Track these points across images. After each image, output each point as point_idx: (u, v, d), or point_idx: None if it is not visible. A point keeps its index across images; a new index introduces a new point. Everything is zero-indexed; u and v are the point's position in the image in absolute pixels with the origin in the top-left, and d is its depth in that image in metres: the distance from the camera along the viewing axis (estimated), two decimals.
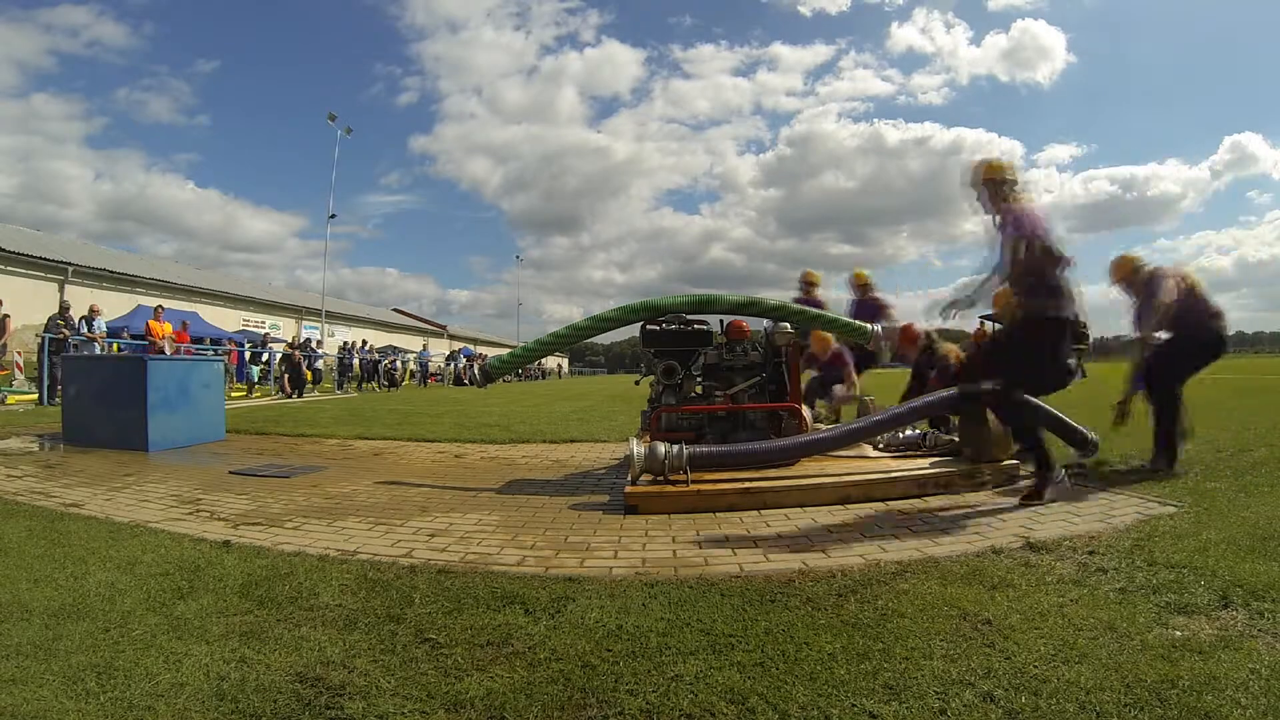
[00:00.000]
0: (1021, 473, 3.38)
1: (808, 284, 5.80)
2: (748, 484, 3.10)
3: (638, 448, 3.16)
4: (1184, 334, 3.69)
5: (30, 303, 14.58)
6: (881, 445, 4.00)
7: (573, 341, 4.38)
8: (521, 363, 5.17)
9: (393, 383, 21.38)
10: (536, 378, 38.14)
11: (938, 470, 3.24)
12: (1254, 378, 14.29)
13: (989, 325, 4.86)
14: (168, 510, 3.04)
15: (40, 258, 17.09)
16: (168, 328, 12.34)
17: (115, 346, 11.53)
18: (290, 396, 13.80)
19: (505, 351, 4.43)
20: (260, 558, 2.26)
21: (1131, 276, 3.86)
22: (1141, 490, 3.08)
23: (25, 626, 1.66)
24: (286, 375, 14.45)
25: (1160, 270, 3.77)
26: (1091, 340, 4.26)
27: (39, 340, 10.39)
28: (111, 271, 19.29)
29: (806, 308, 4.43)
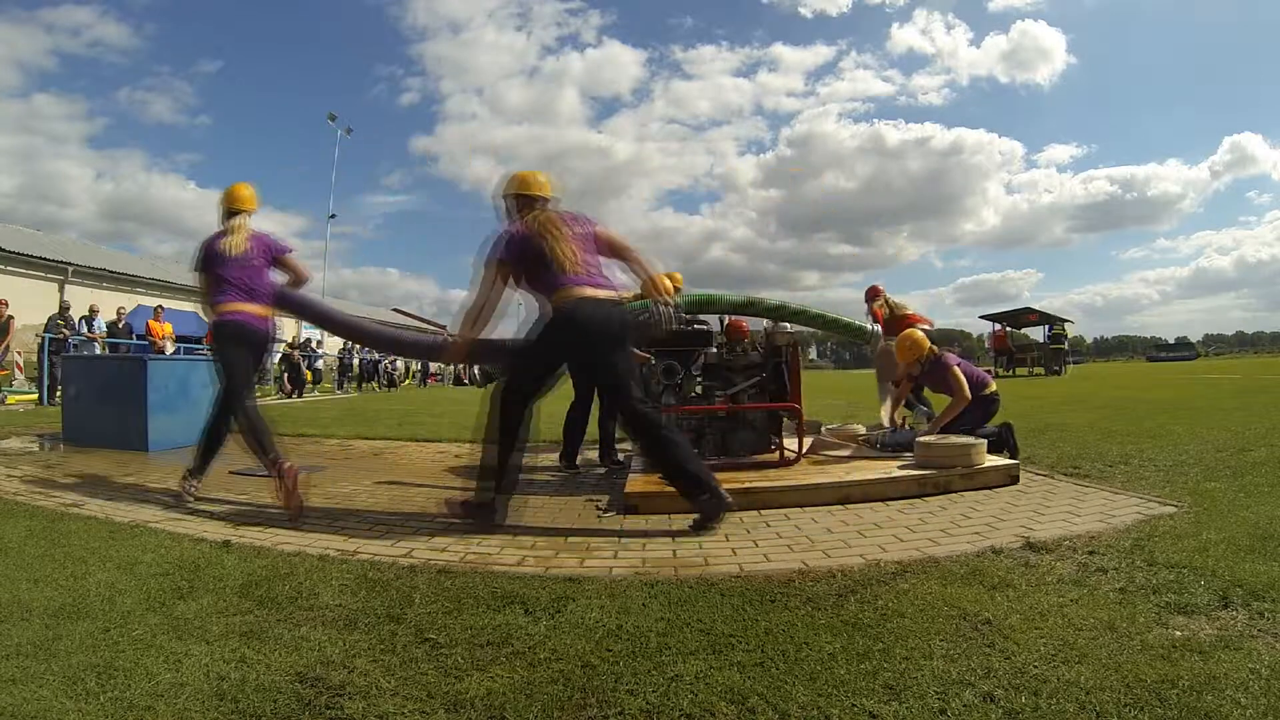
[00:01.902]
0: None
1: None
2: (747, 484, 3.11)
3: None
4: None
5: (30, 303, 14.59)
6: (878, 446, 4.01)
7: None
8: None
9: (391, 383, 21.38)
10: None
11: (938, 471, 3.24)
12: (1254, 378, 14.29)
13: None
14: (168, 510, 3.04)
15: (40, 258, 17.11)
16: (168, 328, 12.34)
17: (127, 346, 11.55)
18: (290, 396, 13.80)
19: None
20: (260, 558, 2.26)
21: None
22: (1141, 490, 3.08)
23: (25, 626, 1.66)
24: (286, 375, 14.46)
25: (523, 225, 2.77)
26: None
27: (39, 340, 10.39)
28: (111, 271, 19.31)
29: (807, 307, 4.41)
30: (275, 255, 3.40)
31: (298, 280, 3.52)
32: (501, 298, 2.74)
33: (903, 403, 4.69)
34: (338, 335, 3.93)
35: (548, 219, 2.74)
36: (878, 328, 4.53)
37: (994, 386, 4.20)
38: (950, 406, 3.97)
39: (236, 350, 3.20)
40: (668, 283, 2.79)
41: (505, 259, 2.71)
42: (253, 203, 3.45)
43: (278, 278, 3.41)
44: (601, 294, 2.68)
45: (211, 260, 3.23)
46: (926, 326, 4.90)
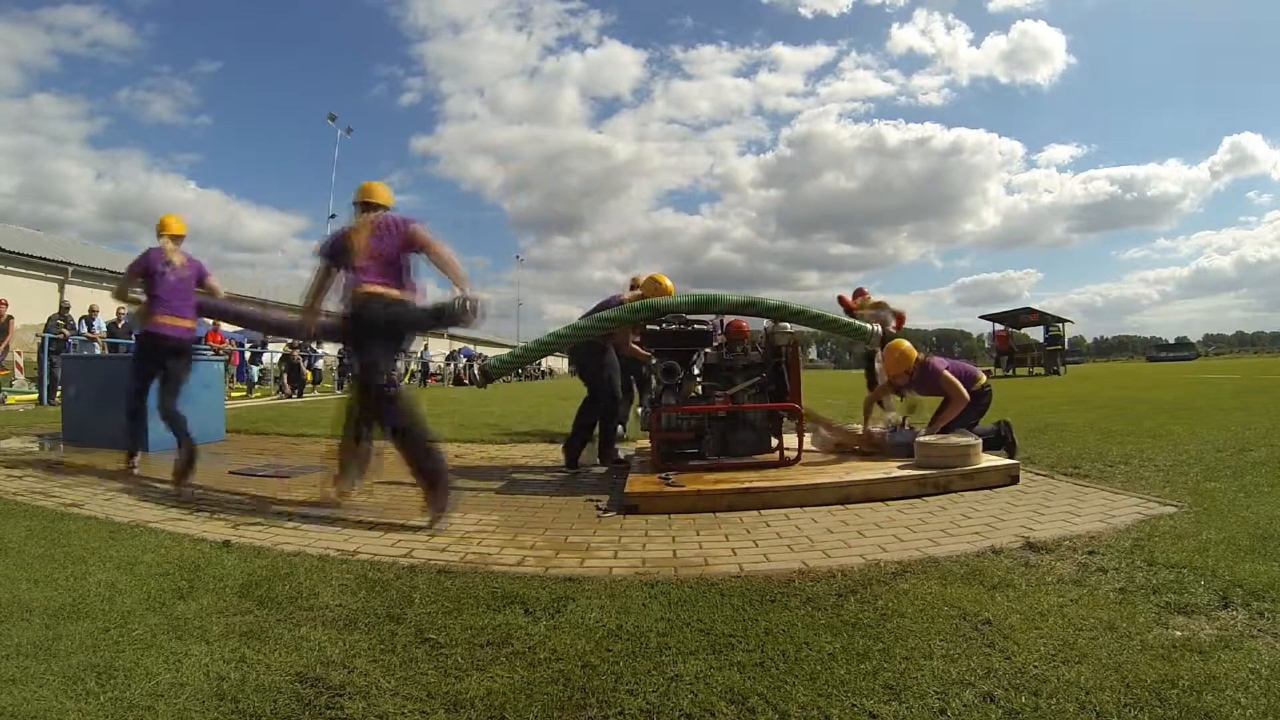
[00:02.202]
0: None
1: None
2: (747, 484, 3.11)
3: None
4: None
5: (30, 303, 14.58)
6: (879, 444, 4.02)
7: (573, 341, 4.37)
8: (521, 362, 5.16)
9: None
10: (536, 378, 38.15)
11: (938, 470, 3.24)
12: (1254, 378, 14.30)
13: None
14: (167, 510, 3.04)
15: (40, 258, 17.10)
16: None
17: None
18: (290, 396, 13.81)
19: (505, 351, 4.42)
20: (260, 558, 2.27)
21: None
22: (1141, 490, 3.08)
23: (25, 626, 1.66)
24: (286, 375, 14.46)
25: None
26: None
27: (39, 340, 10.40)
28: (111, 271, 19.23)
29: (807, 307, 4.39)
30: (201, 278, 4.07)
31: (213, 296, 4.25)
32: (330, 286, 3.15)
33: (875, 408, 4.61)
34: (240, 326, 4.70)
35: (357, 223, 3.05)
36: (877, 327, 4.50)
37: (983, 380, 4.19)
38: (950, 408, 3.96)
39: (157, 359, 3.89)
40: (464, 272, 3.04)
41: (323, 254, 3.13)
42: (183, 229, 4.13)
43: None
44: (380, 290, 2.93)
45: (152, 274, 3.85)
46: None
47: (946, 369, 4.06)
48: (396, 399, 2.96)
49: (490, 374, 4.62)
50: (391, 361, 3.03)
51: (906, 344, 4.24)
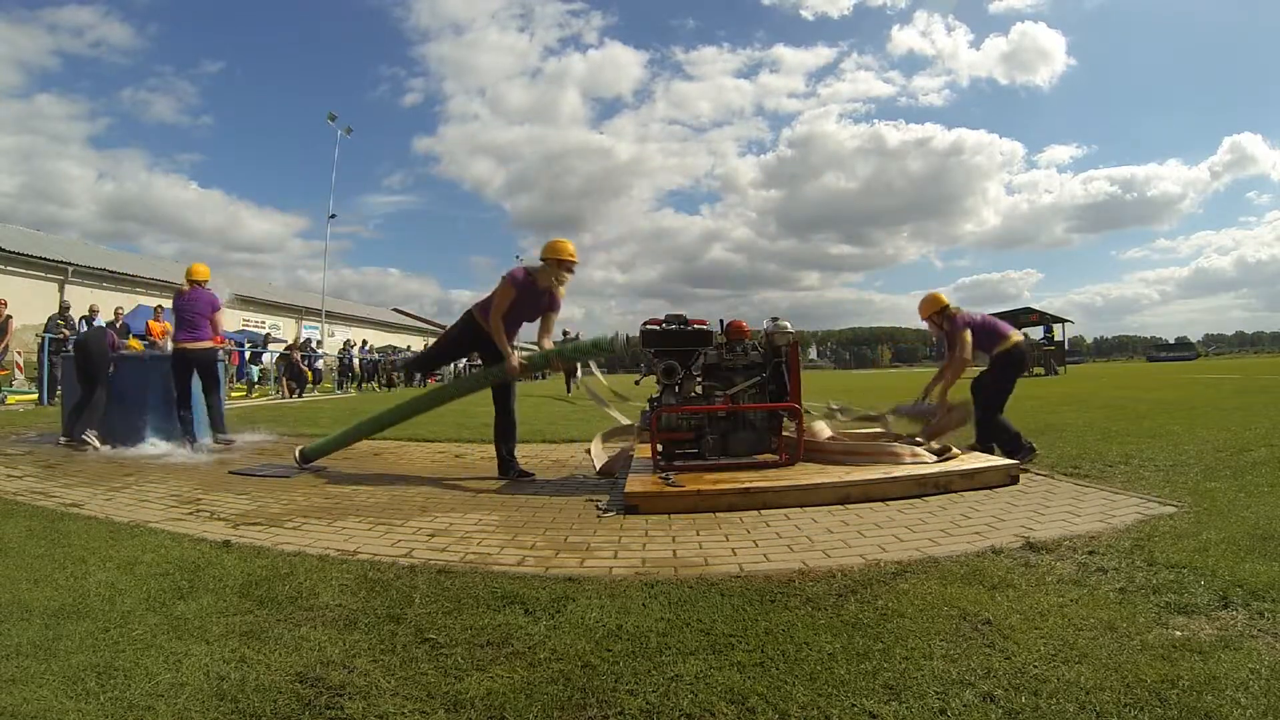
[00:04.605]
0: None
1: None
2: (747, 484, 3.11)
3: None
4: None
5: (30, 303, 14.58)
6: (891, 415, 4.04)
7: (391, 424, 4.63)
8: (340, 445, 4.98)
9: (390, 383, 21.31)
10: (536, 378, 38.04)
11: (938, 470, 3.24)
12: (1254, 378, 14.30)
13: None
14: (168, 510, 3.04)
15: (40, 258, 17.10)
16: (168, 326, 12.33)
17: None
18: (290, 396, 13.81)
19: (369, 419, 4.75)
20: (260, 558, 2.26)
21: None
22: (1141, 490, 3.08)
23: (25, 626, 1.66)
24: (286, 375, 14.46)
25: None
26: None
27: (39, 340, 10.40)
28: (111, 271, 19.30)
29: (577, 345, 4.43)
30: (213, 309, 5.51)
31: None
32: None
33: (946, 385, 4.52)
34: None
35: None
36: (620, 335, 4.47)
37: (1014, 339, 4.10)
38: (947, 370, 3.94)
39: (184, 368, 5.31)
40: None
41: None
42: (207, 274, 5.72)
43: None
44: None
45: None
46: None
47: (967, 326, 4.00)
48: None
49: (309, 456, 4.54)
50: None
51: (938, 292, 4.28)
